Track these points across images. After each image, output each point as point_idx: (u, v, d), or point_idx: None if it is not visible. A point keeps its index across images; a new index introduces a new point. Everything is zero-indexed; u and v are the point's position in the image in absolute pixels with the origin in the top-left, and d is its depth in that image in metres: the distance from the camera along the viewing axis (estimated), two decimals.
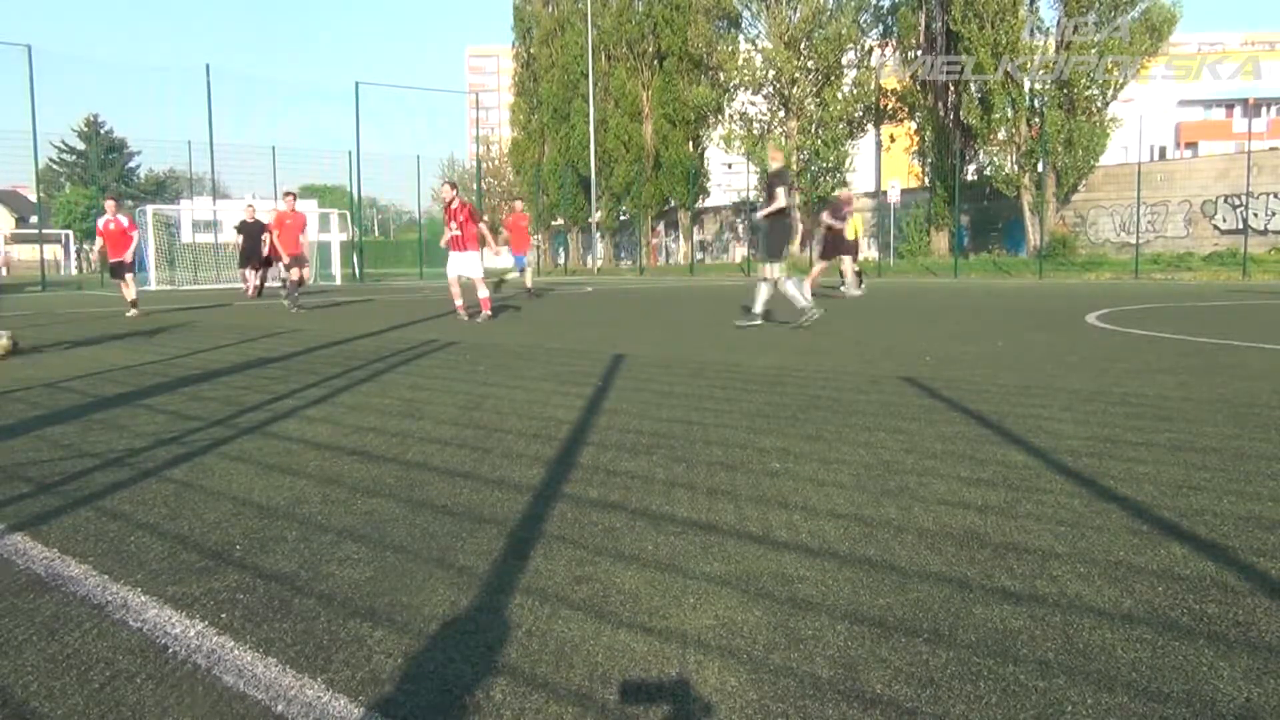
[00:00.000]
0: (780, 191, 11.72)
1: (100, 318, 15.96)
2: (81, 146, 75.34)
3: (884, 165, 52.24)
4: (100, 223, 16.84)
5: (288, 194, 19.15)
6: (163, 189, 73.24)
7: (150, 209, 31.87)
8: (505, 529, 3.30)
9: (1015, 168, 36.99)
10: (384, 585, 2.75)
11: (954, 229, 39.07)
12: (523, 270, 21.20)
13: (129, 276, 16.39)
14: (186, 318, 15.72)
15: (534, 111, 56.78)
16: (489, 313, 13.97)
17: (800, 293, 11.78)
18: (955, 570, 2.82)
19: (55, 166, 75.02)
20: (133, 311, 15.76)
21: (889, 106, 43.72)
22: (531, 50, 57.34)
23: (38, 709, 2.02)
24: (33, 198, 46.98)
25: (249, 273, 22.58)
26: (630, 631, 2.40)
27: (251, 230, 21.64)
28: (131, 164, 78.43)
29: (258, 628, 2.44)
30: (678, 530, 3.25)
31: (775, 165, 12.43)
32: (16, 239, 62.17)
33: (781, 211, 11.71)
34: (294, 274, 17.78)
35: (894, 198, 39.02)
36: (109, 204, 16.85)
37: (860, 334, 11.08)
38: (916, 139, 41.97)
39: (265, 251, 20.60)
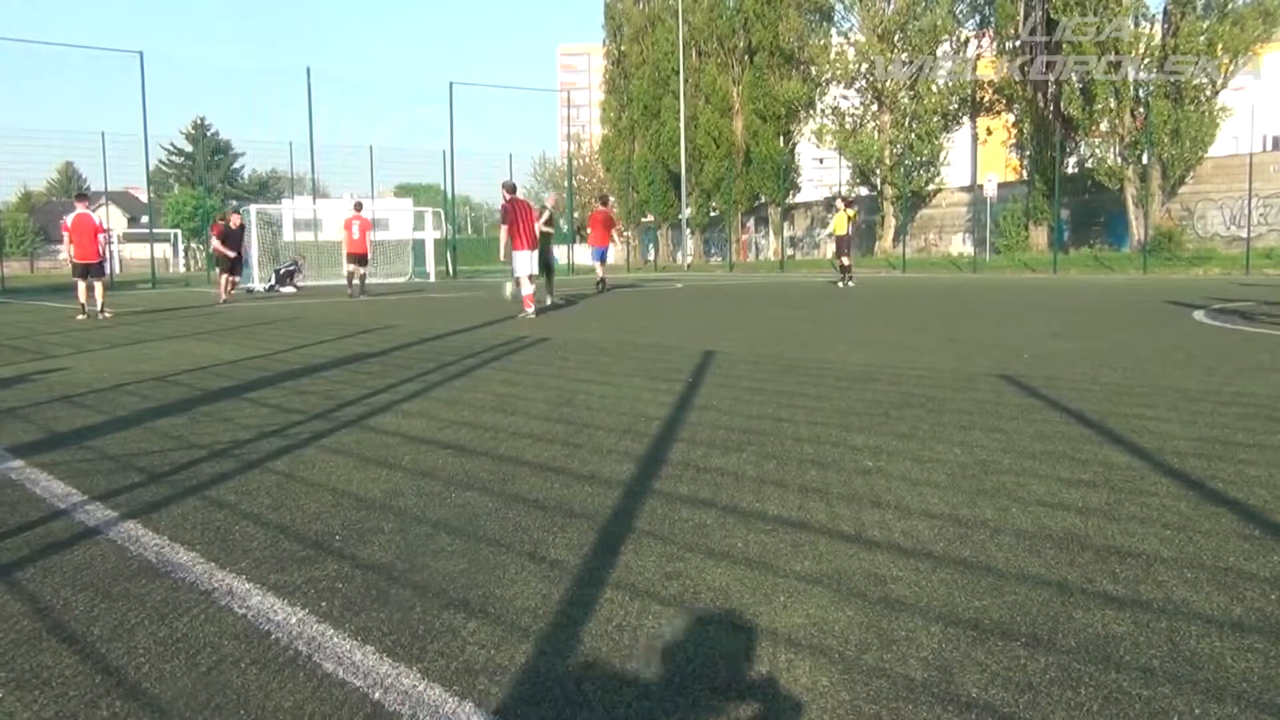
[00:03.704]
0: None
1: (240, 310, 16.50)
2: (189, 148, 78.14)
3: (980, 158, 51.03)
4: (69, 219, 15.94)
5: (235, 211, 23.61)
6: (265, 189, 75.54)
7: (254, 208, 32.88)
8: (596, 524, 3.32)
9: (1119, 160, 35.83)
10: (478, 577, 2.79)
11: (1053, 223, 38.01)
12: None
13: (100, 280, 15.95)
14: (287, 313, 16.18)
15: (624, 108, 56.90)
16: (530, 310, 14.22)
17: None
18: (1055, 573, 2.75)
19: (165, 168, 77.99)
20: (82, 316, 15.28)
21: (985, 98, 42.72)
22: (622, 47, 57.47)
23: (149, 690, 2.10)
24: (144, 198, 48.87)
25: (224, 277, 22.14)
26: (721, 628, 2.39)
27: (237, 237, 21.93)
28: (236, 165, 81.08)
29: (356, 616, 2.50)
30: (768, 528, 3.24)
31: None
32: (129, 238, 64.73)
33: None
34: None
35: (990, 192, 38.09)
36: (80, 201, 16.26)
37: (954, 331, 10.87)
38: (1014, 131, 40.93)
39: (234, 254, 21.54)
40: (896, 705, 1.98)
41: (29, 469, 4.29)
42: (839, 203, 25.84)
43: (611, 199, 21.81)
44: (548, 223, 17.11)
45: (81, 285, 15.73)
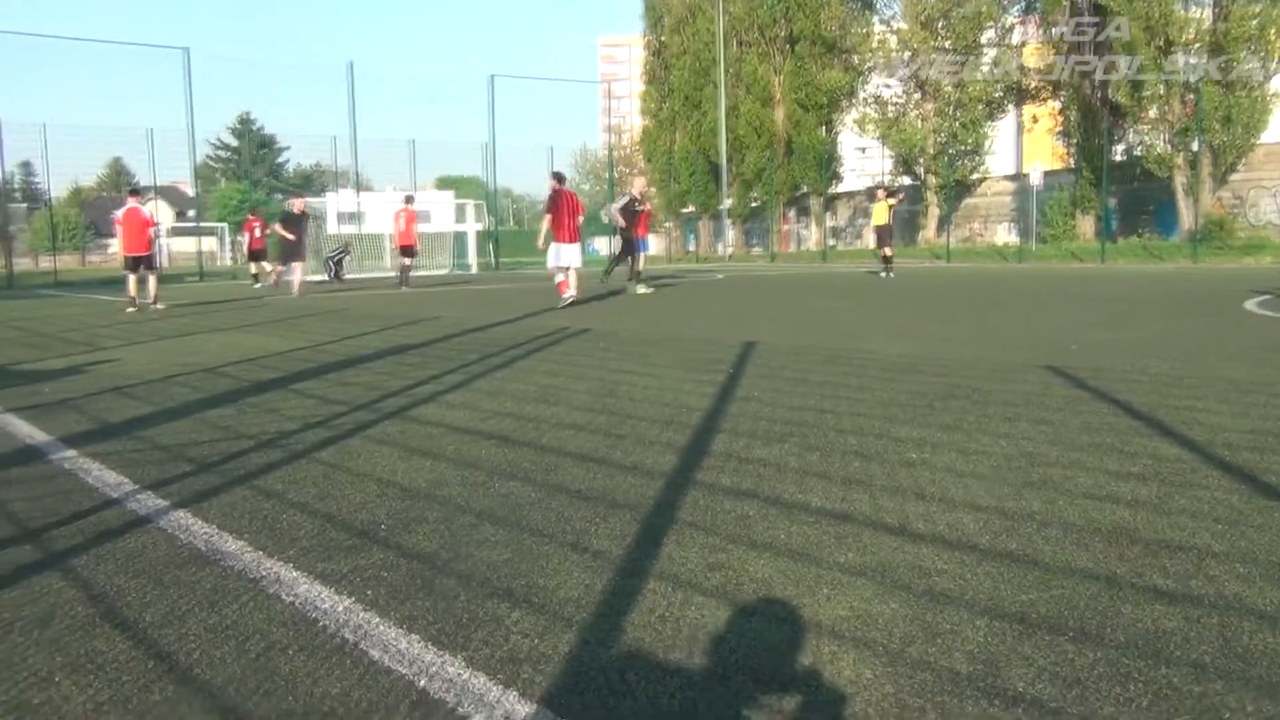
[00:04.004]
0: None
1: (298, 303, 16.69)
2: (235, 143, 79.09)
3: (1025, 146, 50.31)
4: (119, 214, 16.06)
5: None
6: (309, 183, 76.28)
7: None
8: (638, 514, 3.32)
9: (1168, 147, 35.17)
10: (521, 567, 2.81)
11: (1101, 212, 37.43)
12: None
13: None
14: (332, 305, 16.34)
15: (665, 99, 56.79)
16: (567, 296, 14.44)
17: None
18: (1103, 567, 2.71)
19: (211, 163, 78.95)
20: (132, 309, 15.33)
21: (1031, 86, 42.10)
22: (663, 38, 57.35)
23: (200, 675, 2.13)
24: (191, 193, 49.48)
25: (286, 267, 20.99)
26: (764, 620, 2.39)
27: (299, 222, 20.63)
28: (280, 159, 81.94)
29: (401, 605, 2.53)
30: (811, 520, 3.22)
31: None
32: (176, 232, 65.71)
33: None
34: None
35: (1036, 180, 37.60)
36: (131, 196, 16.30)
37: (999, 321, 10.75)
38: (1060, 119, 40.31)
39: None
40: (941, 699, 1.97)
41: (81, 459, 4.37)
42: (880, 192, 25.58)
43: (651, 189, 21.86)
44: (626, 208, 18.58)
45: (132, 278, 15.91)
